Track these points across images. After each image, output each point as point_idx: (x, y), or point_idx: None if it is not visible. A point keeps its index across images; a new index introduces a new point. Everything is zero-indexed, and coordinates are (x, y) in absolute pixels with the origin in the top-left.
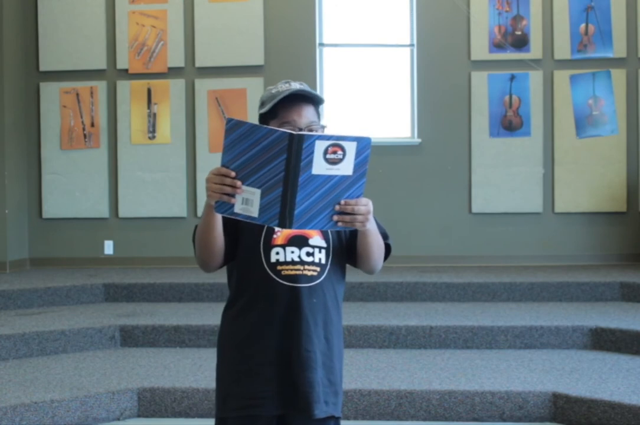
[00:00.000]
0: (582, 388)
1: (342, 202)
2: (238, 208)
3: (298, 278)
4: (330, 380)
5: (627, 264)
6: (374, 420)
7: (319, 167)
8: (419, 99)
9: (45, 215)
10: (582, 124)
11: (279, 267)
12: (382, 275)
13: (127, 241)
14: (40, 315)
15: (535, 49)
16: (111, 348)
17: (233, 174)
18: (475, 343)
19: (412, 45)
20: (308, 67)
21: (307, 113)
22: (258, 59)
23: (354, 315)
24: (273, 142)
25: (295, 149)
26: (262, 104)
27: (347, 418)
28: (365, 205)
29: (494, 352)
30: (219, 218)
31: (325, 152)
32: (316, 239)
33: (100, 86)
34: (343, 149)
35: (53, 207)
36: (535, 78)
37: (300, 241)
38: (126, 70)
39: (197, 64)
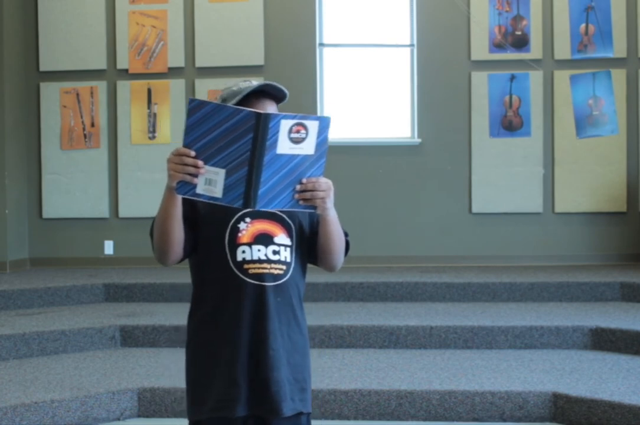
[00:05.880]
0: (582, 388)
1: (304, 180)
2: (200, 189)
3: (264, 277)
4: (295, 378)
5: (627, 264)
6: (374, 420)
7: (283, 146)
8: (419, 99)
9: (45, 215)
10: (582, 124)
11: (245, 266)
12: (382, 275)
13: (127, 241)
14: (40, 315)
15: (535, 49)
16: (111, 348)
17: (193, 153)
18: (475, 343)
19: (412, 45)
20: (308, 67)
21: (270, 110)
22: (258, 59)
23: (354, 315)
24: (239, 121)
25: (262, 128)
26: (224, 101)
27: (347, 418)
28: (325, 182)
29: (494, 352)
30: (179, 203)
31: (290, 131)
32: (281, 237)
33: (101, 86)
34: (306, 128)
35: (53, 207)
36: (535, 78)
37: (266, 239)
38: (126, 70)
39: (197, 64)
